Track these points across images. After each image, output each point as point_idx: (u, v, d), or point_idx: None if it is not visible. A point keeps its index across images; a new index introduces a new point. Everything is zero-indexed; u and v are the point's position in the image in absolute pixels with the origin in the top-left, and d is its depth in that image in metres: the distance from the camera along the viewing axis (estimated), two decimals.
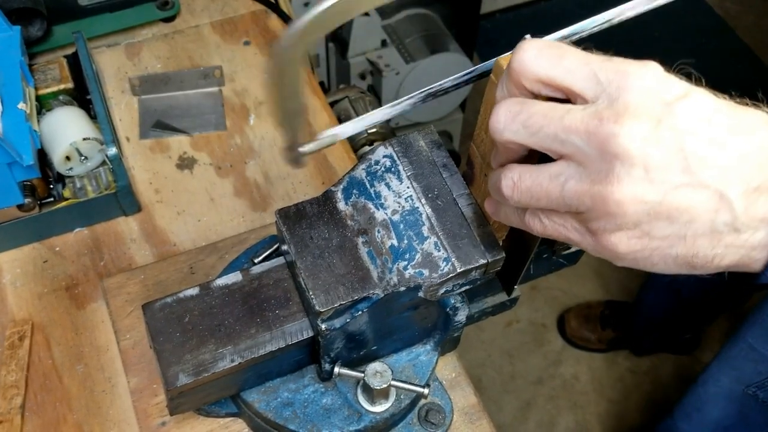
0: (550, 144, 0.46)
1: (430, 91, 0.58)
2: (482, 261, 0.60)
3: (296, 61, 0.49)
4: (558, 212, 0.49)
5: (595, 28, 0.56)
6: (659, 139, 0.43)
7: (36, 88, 0.88)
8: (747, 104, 0.47)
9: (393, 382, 0.67)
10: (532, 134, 0.47)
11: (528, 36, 0.52)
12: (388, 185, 0.63)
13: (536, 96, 0.48)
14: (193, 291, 0.66)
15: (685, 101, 0.44)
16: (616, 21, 0.56)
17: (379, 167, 0.64)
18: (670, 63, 0.47)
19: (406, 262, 0.60)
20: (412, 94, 0.58)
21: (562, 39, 0.56)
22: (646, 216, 0.45)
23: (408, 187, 0.62)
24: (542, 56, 0.47)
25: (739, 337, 1.14)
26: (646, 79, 0.44)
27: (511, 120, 0.47)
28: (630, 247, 0.47)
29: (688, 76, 0.47)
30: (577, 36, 0.56)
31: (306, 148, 0.57)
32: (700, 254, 0.46)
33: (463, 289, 0.62)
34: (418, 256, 0.60)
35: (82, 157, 0.85)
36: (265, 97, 1.00)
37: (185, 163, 0.94)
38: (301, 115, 0.54)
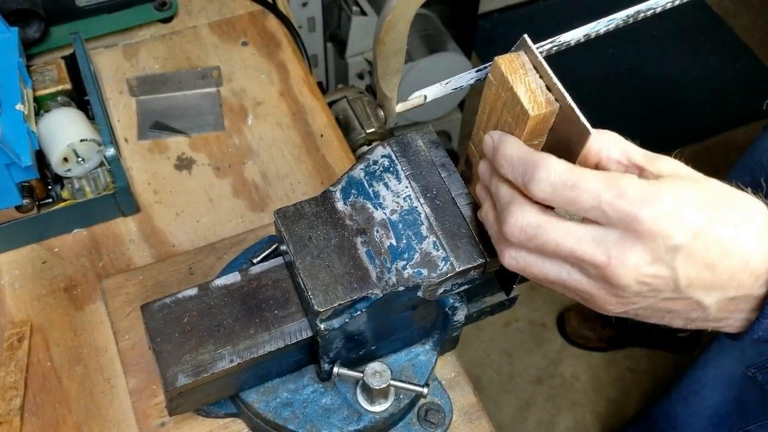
0: (560, 264, 0.51)
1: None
2: (481, 260, 0.60)
3: (406, 21, 0.54)
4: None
5: (611, 26, 0.56)
6: (658, 274, 0.48)
7: (34, 90, 0.88)
8: (756, 195, 0.50)
9: (392, 382, 0.67)
10: (545, 260, 0.51)
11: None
12: (386, 185, 0.63)
13: None
14: (192, 291, 0.66)
15: (690, 245, 0.47)
16: (630, 21, 0.56)
17: (377, 167, 0.64)
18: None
19: (404, 262, 0.60)
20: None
21: (564, 43, 0.56)
22: (632, 308, 0.52)
23: (406, 187, 0.62)
24: (556, 195, 0.49)
25: None
26: (657, 224, 0.46)
27: (527, 240, 0.51)
28: (613, 311, 0.53)
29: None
30: (584, 36, 0.56)
31: (399, 108, 0.62)
32: (675, 325, 0.54)
33: (462, 288, 0.62)
34: (416, 255, 0.60)
35: (80, 159, 0.85)
36: (264, 98, 1.00)
37: (184, 164, 0.94)
38: (398, 74, 0.59)
